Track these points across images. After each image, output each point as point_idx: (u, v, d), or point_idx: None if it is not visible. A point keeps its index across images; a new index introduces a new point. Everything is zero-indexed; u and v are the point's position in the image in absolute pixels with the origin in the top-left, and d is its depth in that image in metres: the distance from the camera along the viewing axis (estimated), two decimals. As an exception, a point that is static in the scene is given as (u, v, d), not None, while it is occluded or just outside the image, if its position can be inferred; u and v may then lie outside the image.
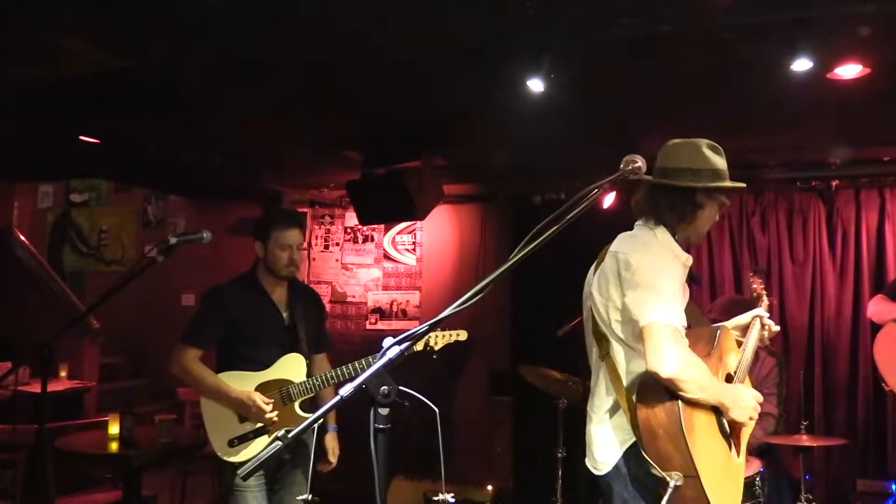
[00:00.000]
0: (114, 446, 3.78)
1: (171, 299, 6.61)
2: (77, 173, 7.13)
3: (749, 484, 3.56)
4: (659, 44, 2.90)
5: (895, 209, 4.69)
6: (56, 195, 8.38)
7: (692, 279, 2.64)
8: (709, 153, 2.28)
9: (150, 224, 7.74)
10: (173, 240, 2.82)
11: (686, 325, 2.16)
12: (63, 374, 5.97)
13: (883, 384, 4.10)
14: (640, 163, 1.98)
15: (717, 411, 2.13)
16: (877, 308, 4.10)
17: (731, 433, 2.19)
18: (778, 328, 2.53)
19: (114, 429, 3.85)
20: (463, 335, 3.34)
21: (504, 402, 5.66)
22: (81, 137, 4.48)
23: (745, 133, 4.29)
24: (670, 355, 1.98)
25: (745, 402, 2.14)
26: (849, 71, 3.16)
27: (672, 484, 1.98)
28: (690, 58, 3.08)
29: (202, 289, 3.35)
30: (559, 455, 4.31)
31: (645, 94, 3.61)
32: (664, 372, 1.98)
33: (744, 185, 2.33)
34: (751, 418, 2.16)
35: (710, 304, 4.55)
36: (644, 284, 2.09)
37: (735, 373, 2.30)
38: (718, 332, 2.29)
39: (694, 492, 1.99)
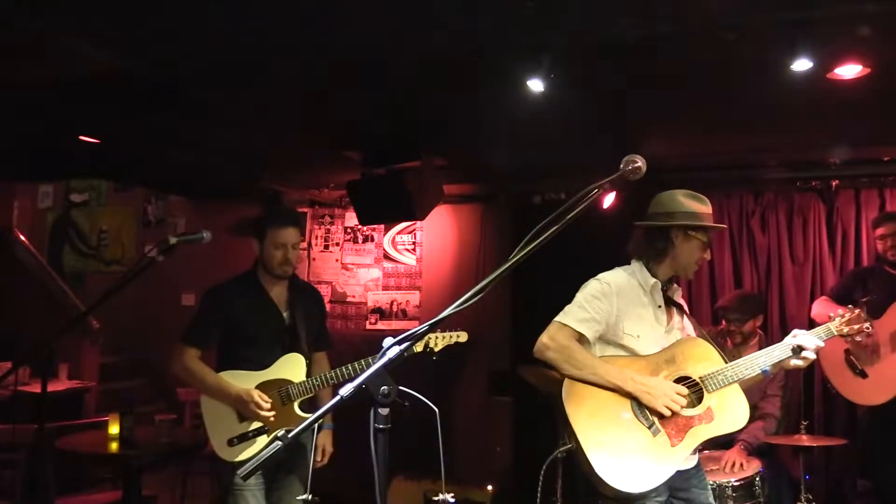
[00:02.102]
0: (114, 446, 3.78)
1: (172, 299, 6.61)
2: (77, 173, 7.13)
3: (749, 484, 3.57)
4: (659, 44, 2.91)
5: (895, 209, 4.69)
6: (56, 195, 8.38)
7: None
8: (684, 199, 2.73)
9: (150, 224, 7.74)
10: (173, 240, 2.83)
11: (633, 333, 2.68)
12: (63, 374, 5.97)
13: (829, 386, 4.12)
14: (640, 163, 1.99)
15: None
16: (820, 310, 4.13)
17: (662, 418, 2.57)
18: (802, 362, 2.63)
19: (114, 429, 3.85)
20: (463, 336, 3.34)
21: (504, 402, 5.66)
22: (81, 137, 4.48)
23: (745, 133, 4.30)
24: (541, 340, 2.67)
25: (656, 392, 2.56)
26: (849, 71, 3.16)
27: (560, 448, 2.53)
28: (690, 58, 3.08)
29: (202, 289, 3.35)
30: (559, 455, 4.30)
31: (645, 95, 3.61)
32: (534, 351, 2.69)
33: (715, 226, 2.78)
34: (667, 407, 2.55)
35: (720, 299, 4.59)
36: (575, 298, 2.72)
37: (703, 378, 2.65)
38: (699, 341, 2.75)
39: (581, 458, 2.55)
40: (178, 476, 4.97)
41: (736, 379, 2.61)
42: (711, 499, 2.74)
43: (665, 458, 2.55)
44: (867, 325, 2.69)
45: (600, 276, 2.77)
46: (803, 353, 2.57)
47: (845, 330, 2.68)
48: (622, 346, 2.68)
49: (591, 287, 2.72)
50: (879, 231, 4.02)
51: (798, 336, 2.61)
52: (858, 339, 2.73)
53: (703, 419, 2.59)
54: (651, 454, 2.55)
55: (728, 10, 2.62)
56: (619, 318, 2.67)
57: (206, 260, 5.51)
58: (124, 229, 7.95)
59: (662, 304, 2.74)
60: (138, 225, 7.83)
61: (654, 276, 2.73)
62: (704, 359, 2.66)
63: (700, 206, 2.73)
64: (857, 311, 2.71)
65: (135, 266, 2.77)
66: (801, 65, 2.85)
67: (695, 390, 2.64)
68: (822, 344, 2.60)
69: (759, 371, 2.61)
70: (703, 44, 2.93)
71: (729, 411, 2.60)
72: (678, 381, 2.63)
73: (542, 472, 3.71)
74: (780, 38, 2.77)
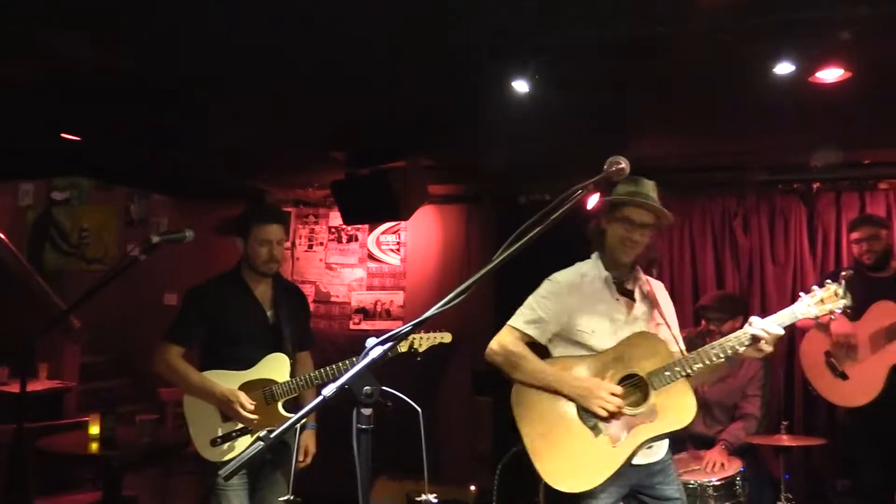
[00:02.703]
0: (94, 447, 3.75)
1: (154, 299, 6.55)
2: (59, 171, 7.06)
3: (730, 484, 3.60)
4: (643, 47, 2.92)
5: (875, 212, 4.74)
6: (37, 193, 8.27)
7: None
8: (618, 187, 2.67)
9: (132, 223, 7.67)
10: (156, 239, 2.81)
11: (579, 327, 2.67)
12: (43, 373, 5.91)
13: (809, 388, 4.17)
14: (624, 164, 2.00)
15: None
16: None
17: (605, 419, 2.55)
18: (758, 353, 2.50)
19: (94, 429, 3.82)
20: (447, 337, 3.34)
21: (486, 402, 5.66)
22: (63, 135, 4.44)
23: (728, 136, 4.34)
24: (490, 345, 2.72)
25: (590, 393, 2.54)
26: (830, 74, 3.20)
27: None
28: (675, 61, 3.10)
29: (185, 288, 3.33)
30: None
31: (630, 97, 3.63)
32: (485, 356, 2.74)
33: (622, 199, 2.64)
34: (601, 408, 2.52)
35: (701, 298, 4.61)
36: (526, 300, 2.76)
37: (649, 375, 2.56)
38: (650, 337, 2.65)
39: (527, 459, 2.61)
40: (159, 476, 4.93)
41: (684, 374, 2.51)
42: (681, 493, 2.68)
43: (605, 458, 2.53)
44: (843, 301, 2.44)
45: (553, 275, 2.77)
46: (759, 345, 2.44)
47: (814, 312, 2.46)
48: (578, 344, 2.67)
49: (542, 287, 2.75)
50: (855, 235, 4.06)
51: (755, 324, 2.46)
52: (834, 317, 2.50)
53: (646, 418, 2.53)
54: (591, 455, 2.54)
55: (712, 14, 2.64)
56: (571, 315, 2.67)
57: (189, 259, 5.47)
58: (106, 228, 7.88)
59: (619, 296, 2.70)
60: (120, 224, 7.76)
61: (606, 268, 2.71)
62: (652, 355, 2.57)
63: (624, 188, 2.66)
64: (832, 287, 2.46)
65: (117, 265, 2.75)
66: (784, 68, 2.88)
67: (642, 388, 2.58)
68: (781, 332, 2.42)
69: (709, 363, 2.50)
70: (687, 47, 2.95)
71: (673, 410, 2.52)
72: (624, 378, 2.58)
73: (497, 472, 3.74)
74: (763, 42, 2.79)
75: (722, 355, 2.49)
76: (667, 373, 2.52)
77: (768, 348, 2.44)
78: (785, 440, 3.88)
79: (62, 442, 4.01)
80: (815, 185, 4.96)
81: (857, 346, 3.89)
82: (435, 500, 1.96)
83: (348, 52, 3.08)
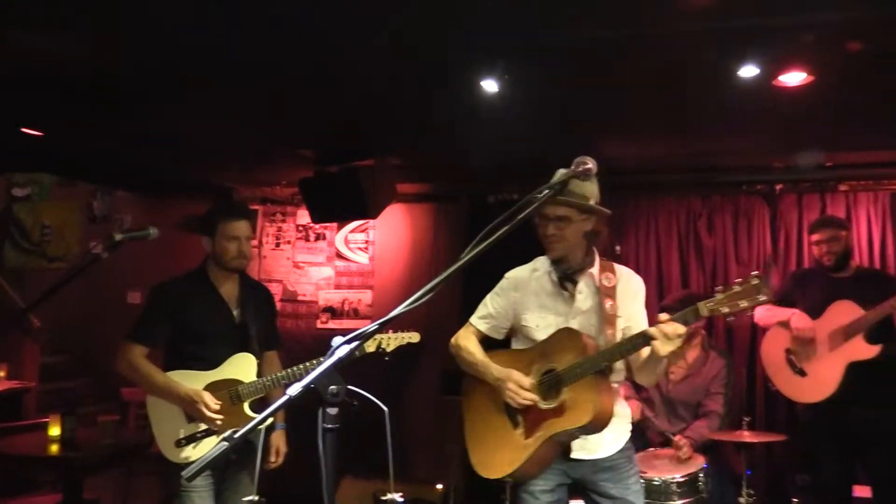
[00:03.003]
0: (55, 448, 3.68)
1: (117, 297, 6.45)
2: (19, 167, 6.91)
3: (693, 480, 3.66)
4: (610, 48, 2.95)
5: (835, 213, 4.84)
6: (-4, 189, 8.10)
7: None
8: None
9: (95, 220, 7.53)
10: (119, 236, 2.76)
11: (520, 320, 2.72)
12: (2, 373, 5.78)
13: (770, 384, 4.26)
14: (591, 164, 2.02)
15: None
16: (762, 313, 4.26)
17: (518, 412, 2.62)
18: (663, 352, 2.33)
19: (55, 430, 3.75)
20: (415, 337, 3.34)
21: (455, 401, 5.64)
22: (24, 130, 4.35)
23: (693, 137, 4.39)
24: (452, 339, 2.86)
25: (503, 385, 2.61)
26: (793, 78, 3.25)
27: None
28: (641, 62, 3.14)
29: (149, 287, 3.29)
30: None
31: (597, 98, 3.66)
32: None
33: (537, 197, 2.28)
34: (511, 399, 2.59)
35: (666, 298, 4.66)
36: None
37: (564, 371, 2.54)
38: (570, 333, 2.59)
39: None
40: (121, 478, 4.86)
41: (592, 371, 2.46)
42: (632, 493, 2.64)
43: (516, 449, 2.61)
44: (761, 297, 2.24)
45: (509, 272, 2.82)
46: (653, 343, 2.31)
47: (724, 310, 2.27)
48: (528, 339, 2.72)
49: (497, 284, 2.83)
50: (815, 237, 4.14)
51: (658, 322, 2.34)
52: (748, 310, 2.30)
53: (554, 413, 2.54)
54: (505, 445, 2.65)
55: (677, 16, 2.68)
56: (517, 310, 2.74)
57: (153, 257, 5.40)
58: (68, 225, 7.73)
59: (563, 290, 2.68)
60: (83, 221, 7.62)
61: (552, 262, 2.69)
62: (570, 351, 2.54)
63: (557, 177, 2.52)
64: (753, 281, 2.27)
65: (79, 263, 2.70)
66: (748, 71, 2.93)
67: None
68: (682, 330, 2.28)
69: (607, 364, 2.46)
70: (653, 49, 2.99)
71: (576, 407, 2.50)
72: (547, 372, 2.59)
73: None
74: (728, 45, 2.84)
75: (618, 356, 2.46)
76: (578, 369, 2.49)
77: (662, 347, 2.29)
78: (747, 436, 3.95)
79: (21, 443, 3.93)
80: (778, 187, 5.05)
81: (815, 343, 3.97)
82: (401, 500, 1.96)
83: (316, 50, 3.06)
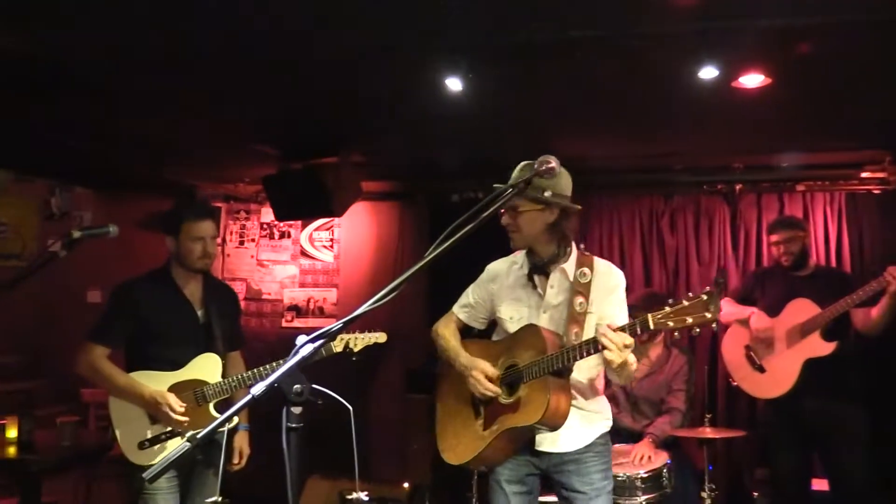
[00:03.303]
0: (11, 451, 3.62)
1: (76, 296, 6.33)
2: (-27, 163, 6.74)
3: (657, 476, 3.70)
4: (572, 48, 2.97)
5: (793, 212, 4.95)
6: (-51, 185, 7.88)
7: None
8: None
9: (53, 217, 7.37)
10: (77, 234, 2.70)
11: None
12: (-45, 375, 5.64)
13: (730, 380, 4.35)
14: (554, 163, 2.03)
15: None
16: (724, 310, 4.35)
17: (482, 403, 2.68)
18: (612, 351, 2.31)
19: (11, 432, 3.68)
20: (382, 337, 3.34)
21: (420, 399, 5.66)
22: (-23, 124, 4.24)
23: (655, 137, 4.45)
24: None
25: (467, 373, 2.67)
26: (752, 80, 3.31)
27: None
28: (603, 62, 3.17)
29: (109, 285, 3.24)
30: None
31: (560, 97, 3.69)
32: None
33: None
34: (474, 387, 2.63)
35: (629, 296, 4.70)
36: None
37: (523, 368, 2.57)
38: (534, 330, 2.60)
39: None
40: (81, 481, 4.77)
41: (548, 371, 2.46)
42: (592, 488, 2.62)
43: (474, 439, 2.67)
44: (708, 314, 2.16)
45: (490, 263, 2.86)
46: (604, 353, 2.32)
47: (670, 324, 2.23)
48: (503, 330, 2.76)
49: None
50: (773, 237, 4.22)
51: (603, 330, 2.33)
52: (694, 333, 2.26)
53: (511, 408, 2.57)
54: (466, 433, 2.72)
55: (638, 17, 2.71)
56: (494, 302, 2.79)
57: (113, 255, 5.30)
58: (25, 222, 7.55)
59: (535, 284, 2.68)
60: (40, 218, 7.45)
61: (527, 255, 2.70)
62: (531, 348, 2.56)
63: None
64: (703, 297, 2.19)
65: (35, 260, 2.64)
66: (708, 72, 2.98)
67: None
68: (629, 341, 2.27)
69: (561, 365, 2.45)
70: (615, 49, 3.02)
71: (529, 404, 2.52)
72: (510, 367, 2.62)
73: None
74: (688, 47, 2.88)
75: (571, 359, 2.45)
76: (535, 368, 2.51)
77: (611, 356, 2.28)
78: (708, 432, 4.01)
79: (-24, 446, 3.83)
80: (738, 187, 5.14)
81: (774, 340, 4.05)
82: (366, 498, 1.96)
83: (279, 45, 3.04)
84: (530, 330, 2.61)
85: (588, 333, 2.53)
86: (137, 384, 3.04)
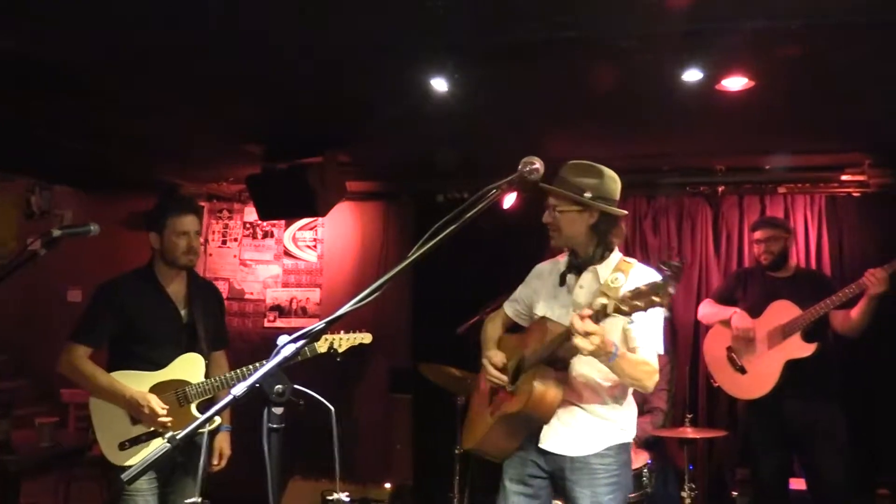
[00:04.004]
0: (-11, 451, 3.57)
1: (56, 295, 6.27)
2: (-49, 160, 6.65)
3: (638, 476, 3.72)
4: (557, 49, 2.98)
5: (774, 214, 4.99)
6: (-73, 183, 7.78)
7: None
8: None
9: (33, 215, 7.30)
10: (57, 232, 2.68)
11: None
12: (-68, 374, 5.57)
13: (711, 380, 4.39)
14: (538, 164, 2.02)
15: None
16: (705, 311, 4.39)
17: (495, 391, 2.73)
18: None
19: (-11, 433, 3.63)
20: (367, 338, 3.33)
21: (404, 399, 5.67)
22: (-44, 121, 4.19)
23: (639, 139, 4.47)
24: None
25: (483, 362, 2.73)
26: (735, 83, 3.34)
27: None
28: (589, 64, 3.18)
29: (90, 284, 3.21)
30: (457, 451, 4.36)
31: (546, 98, 3.70)
32: None
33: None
34: (486, 376, 2.70)
35: None
36: None
37: (521, 360, 2.62)
38: (541, 322, 2.64)
39: None
40: (61, 482, 4.72)
41: (541, 359, 2.46)
42: (593, 499, 2.53)
43: (481, 425, 2.75)
44: (656, 298, 2.10)
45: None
46: (574, 339, 2.28)
47: (624, 308, 2.18)
48: None
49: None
50: (756, 235, 4.26)
51: (572, 317, 2.32)
52: (632, 320, 2.23)
53: (510, 396, 2.59)
54: (479, 420, 2.80)
55: (623, 20, 2.72)
56: (533, 299, 2.78)
57: (94, 254, 5.26)
58: (4, 221, 7.48)
59: (564, 284, 2.66)
60: (20, 216, 7.39)
61: (570, 255, 2.69)
62: (537, 339, 2.58)
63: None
64: (656, 282, 2.12)
65: (14, 259, 2.61)
66: (692, 75, 3.00)
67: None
68: (591, 327, 2.23)
69: (546, 355, 2.46)
70: (601, 51, 3.03)
71: (519, 393, 2.53)
72: (520, 359, 2.64)
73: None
74: (673, 49, 2.90)
75: (548, 350, 2.44)
76: (533, 357, 2.53)
77: (580, 343, 2.26)
78: (689, 432, 4.04)
79: (-47, 447, 3.79)
80: (720, 189, 5.17)
81: (755, 341, 4.08)
82: (347, 499, 1.95)
83: (265, 45, 3.03)
84: (539, 322, 2.65)
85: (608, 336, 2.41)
86: (119, 384, 3.01)
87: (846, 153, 4.72)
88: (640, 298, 2.14)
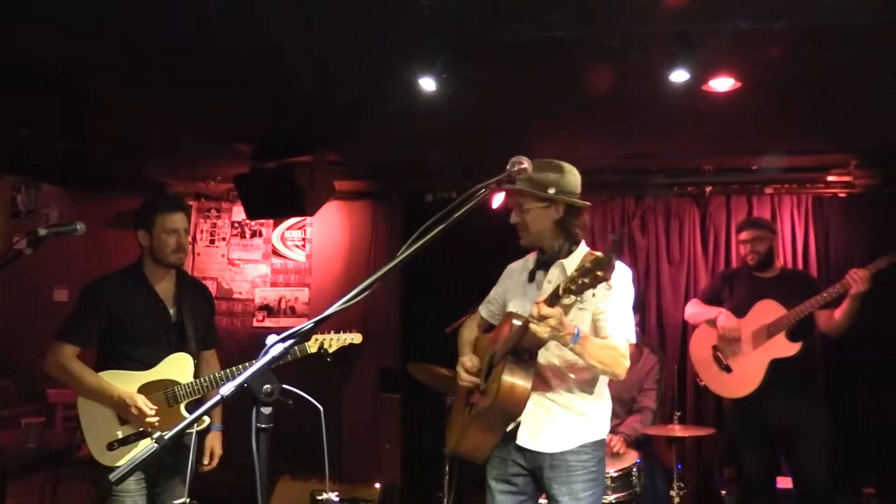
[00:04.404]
0: (-26, 452, 3.54)
1: (43, 294, 6.22)
2: (-64, 158, 6.59)
3: (627, 474, 3.74)
4: (547, 49, 2.99)
5: (761, 214, 5.02)
6: (-89, 181, 7.70)
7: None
8: None
9: (19, 214, 7.23)
10: (43, 231, 2.67)
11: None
12: (-84, 375, 5.52)
13: (698, 379, 4.42)
14: (526, 164, 2.03)
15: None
16: (692, 311, 4.42)
17: (470, 392, 2.74)
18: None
19: (-26, 433, 3.60)
20: (357, 338, 3.33)
21: (393, 399, 5.67)
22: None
23: (627, 139, 4.49)
24: None
25: (458, 366, 2.75)
26: (722, 84, 3.36)
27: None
28: (577, 64, 3.19)
29: (76, 284, 3.19)
30: (446, 452, 4.36)
31: (535, 97, 3.71)
32: None
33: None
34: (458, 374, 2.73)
35: None
36: None
37: (492, 355, 2.65)
38: (507, 317, 2.69)
39: None
40: (47, 483, 4.69)
41: (505, 352, 2.48)
42: (570, 498, 2.56)
43: (459, 427, 2.77)
44: (600, 272, 2.10)
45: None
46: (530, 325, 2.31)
47: (573, 287, 2.18)
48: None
49: None
50: (742, 235, 4.29)
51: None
52: (594, 295, 2.17)
53: (483, 394, 2.62)
54: (457, 422, 2.83)
55: (611, 20, 2.73)
56: (506, 298, 2.81)
57: (81, 253, 5.24)
58: (-10, 220, 7.42)
59: (533, 281, 2.70)
60: (6, 215, 7.32)
61: (538, 252, 2.72)
62: (503, 334, 2.61)
63: None
64: (599, 257, 2.13)
65: (0, 259, 2.60)
66: (679, 76, 3.01)
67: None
68: (545, 310, 2.24)
69: (516, 345, 2.45)
70: (589, 51, 3.05)
71: (489, 390, 2.55)
72: (490, 357, 2.66)
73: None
74: (661, 50, 2.91)
75: (511, 343, 2.46)
76: (499, 352, 2.54)
77: (537, 328, 2.28)
78: (677, 431, 4.06)
79: (-62, 448, 3.76)
80: (708, 189, 5.20)
81: (741, 341, 4.11)
82: (336, 499, 1.95)
83: (254, 43, 3.02)
84: (506, 317, 2.68)
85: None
86: (106, 384, 2.99)
87: (832, 154, 4.76)
88: (587, 275, 2.14)
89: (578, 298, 2.24)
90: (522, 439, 2.63)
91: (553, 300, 2.27)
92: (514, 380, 2.47)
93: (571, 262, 2.59)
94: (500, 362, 2.52)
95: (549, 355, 2.59)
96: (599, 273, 2.11)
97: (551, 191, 2.57)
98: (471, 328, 2.97)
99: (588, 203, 2.66)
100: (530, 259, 2.79)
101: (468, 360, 2.74)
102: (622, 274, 2.60)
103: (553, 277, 2.63)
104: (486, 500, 2.73)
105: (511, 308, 2.74)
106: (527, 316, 2.41)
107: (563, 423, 2.61)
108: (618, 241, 2.07)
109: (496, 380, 2.51)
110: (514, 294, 2.78)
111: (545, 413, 2.62)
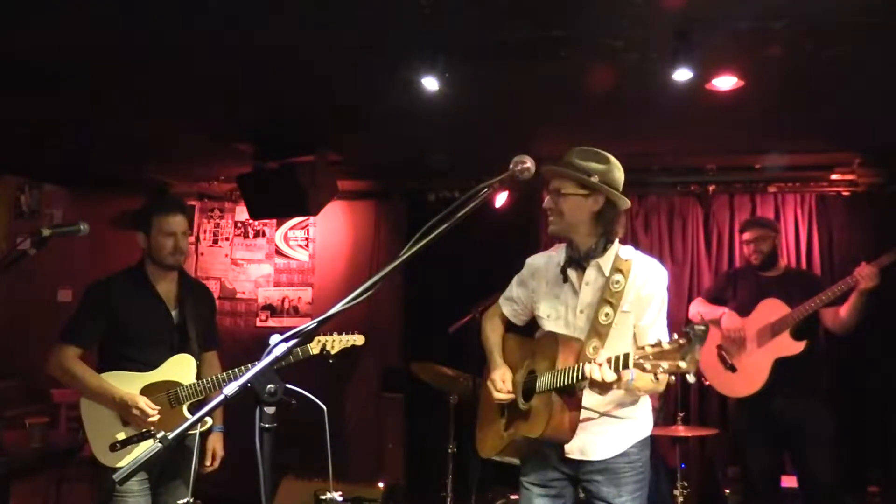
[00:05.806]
0: (-22, 453, 3.54)
1: (46, 295, 6.23)
2: (-61, 159, 6.60)
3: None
4: (550, 48, 2.99)
5: (765, 213, 5.02)
6: (-85, 182, 7.72)
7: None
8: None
9: (23, 215, 7.25)
10: (47, 231, 2.67)
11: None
12: (-79, 375, 5.53)
13: (702, 379, 4.40)
14: (529, 163, 2.01)
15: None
16: (696, 310, 4.41)
17: (506, 403, 2.61)
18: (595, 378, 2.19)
19: (-22, 434, 3.61)
20: (360, 339, 3.32)
21: (396, 398, 5.66)
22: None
23: (630, 138, 4.48)
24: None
25: (489, 376, 2.64)
26: (725, 83, 3.35)
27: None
28: (579, 63, 3.19)
29: (80, 284, 3.19)
30: (450, 451, 4.36)
31: (537, 97, 3.71)
32: None
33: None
34: (489, 387, 2.60)
35: None
36: None
37: (539, 372, 2.45)
38: (552, 338, 2.46)
39: None
40: (51, 484, 4.69)
41: (553, 387, 2.33)
42: (620, 499, 2.48)
43: (498, 437, 2.64)
44: (682, 363, 1.98)
45: (530, 257, 2.72)
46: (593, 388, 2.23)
47: (647, 366, 2.04)
48: (542, 328, 2.60)
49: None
50: (745, 236, 4.28)
51: (589, 366, 2.19)
52: (671, 378, 2.09)
53: (524, 416, 2.48)
54: (492, 430, 2.68)
55: (614, 19, 2.73)
56: (534, 299, 2.62)
57: (84, 254, 5.24)
58: (-7, 220, 7.43)
59: (563, 278, 2.52)
60: (10, 216, 7.33)
61: (567, 249, 2.53)
62: (548, 358, 2.41)
63: None
64: (681, 340, 2.01)
65: (4, 259, 2.60)
66: (682, 74, 3.01)
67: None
68: (610, 378, 2.15)
69: (565, 385, 2.30)
70: (592, 50, 3.04)
71: (535, 417, 2.41)
72: (530, 373, 2.51)
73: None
74: (663, 48, 2.91)
75: (571, 382, 2.28)
76: (544, 380, 2.39)
77: (592, 390, 2.23)
78: (681, 431, 4.06)
79: (-58, 448, 3.76)
80: (711, 188, 5.19)
81: (745, 340, 4.10)
82: (340, 498, 1.95)
83: (255, 44, 3.02)
84: (549, 337, 2.48)
85: (611, 346, 2.36)
86: (109, 386, 2.99)
87: (836, 152, 4.75)
88: (664, 359, 2.01)
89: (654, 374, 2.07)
90: (573, 453, 2.51)
91: (617, 367, 2.14)
92: (563, 415, 2.35)
93: (607, 263, 2.46)
94: (545, 391, 2.37)
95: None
96: (682, 364, 1.97)
97: (594, 179, 2.44)
98: (494, 324, 2.78)
99: (629, 202, 2.51)
100: (555, 254, 2.61)
101: (500, 377, 2.58)
102: (663, 279, 2.51)
103: (591, 279, 2.47)
104: (520, 499, 2.64)
105: (542, 311, 2.57)
106: (569, 326, 2.47)
107: (612, 432, 2.53)
108: (703, 334, 1.93)
109: (544, 410, 2.36)
110: (545, 295, 2.58)
111: (595, 425, 2.51)
